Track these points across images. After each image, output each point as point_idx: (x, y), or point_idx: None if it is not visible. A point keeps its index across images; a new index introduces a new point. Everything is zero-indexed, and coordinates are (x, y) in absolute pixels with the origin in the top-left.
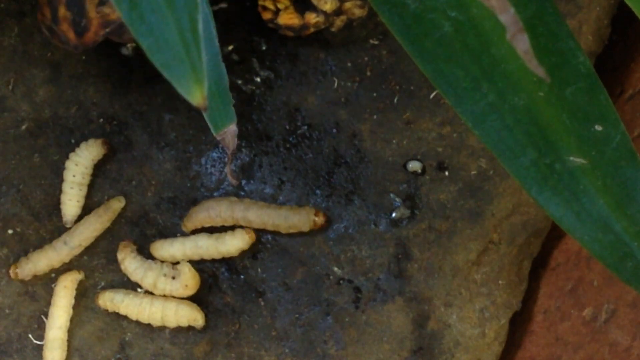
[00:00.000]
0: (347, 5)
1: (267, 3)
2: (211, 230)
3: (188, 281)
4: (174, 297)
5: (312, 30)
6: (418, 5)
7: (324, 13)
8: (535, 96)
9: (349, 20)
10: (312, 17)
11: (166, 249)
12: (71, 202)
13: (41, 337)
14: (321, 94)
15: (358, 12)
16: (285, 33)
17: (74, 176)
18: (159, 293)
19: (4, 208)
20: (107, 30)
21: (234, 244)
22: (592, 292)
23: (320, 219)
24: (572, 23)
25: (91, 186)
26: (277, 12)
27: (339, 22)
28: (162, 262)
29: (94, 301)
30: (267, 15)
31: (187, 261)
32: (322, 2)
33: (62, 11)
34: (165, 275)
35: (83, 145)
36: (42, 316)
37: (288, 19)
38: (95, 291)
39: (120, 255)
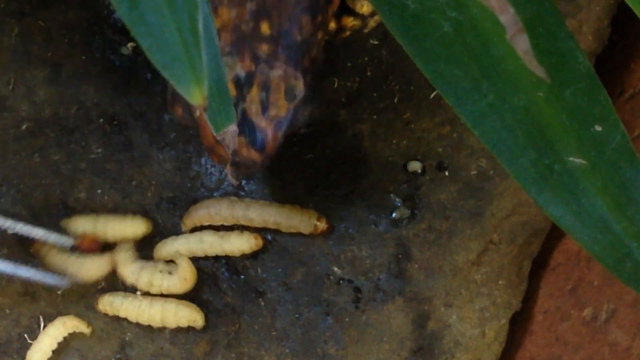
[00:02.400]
0: None
1: None
2: (212, 229)
3: (186, 274)
4: (171, 293)
5: (347, 33)
6: (418, 6)
7: (361, 16)
8: (534, 96)
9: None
10: (349, 21)
11: (169, 244)
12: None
13: None
14: (321, 94)
15: None
16: None
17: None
18: (156, 291)
19: (4, 208)
20: (283, 129)
21: (238, 244)
22: (592, 292)
23: (322, 225)
24: (572, 23)
25: (91, 186)
26: None
27: (373, 22)
28: (158, 261)
29: (93, 302)
30: None
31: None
32: (359, 5)
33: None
34: (161, 271)
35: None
36: (42, 316)
37: None
38: (95, 291)
39: (115, 258)
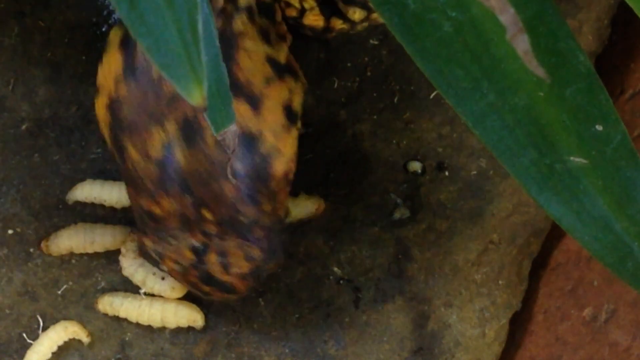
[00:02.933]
0: (374, 15)
1: (293, 0)
2: None
3: (175, 283)
4: (161, 296)
5: (333, 34)
6: (418, 5)
7: (351, 21)
8: (535, 96)
9: (370, 26)
10: (338, 23)
11: None
12: None
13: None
14: (321, 94)
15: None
16: (305, 33)
17: None
18: (148, 291)
19: (4, 208)
20: (250, 279)
21: None
22: (592, 292)
23: (319, 208)
24: (572, 23)
25: None
26: (302, 11)
27: (360, 27)
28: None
29: (93, 302)
30: (291, 13)
31: None
32: (351, 12)
33: (205, 288)
34: (154, 274)
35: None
36: (42, 316)
37: (313, 20)
38: (95, 290)
39: (122, 249)
